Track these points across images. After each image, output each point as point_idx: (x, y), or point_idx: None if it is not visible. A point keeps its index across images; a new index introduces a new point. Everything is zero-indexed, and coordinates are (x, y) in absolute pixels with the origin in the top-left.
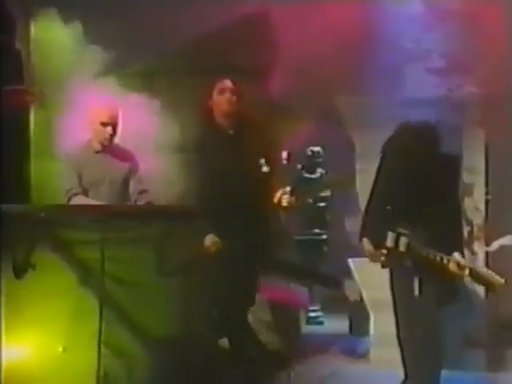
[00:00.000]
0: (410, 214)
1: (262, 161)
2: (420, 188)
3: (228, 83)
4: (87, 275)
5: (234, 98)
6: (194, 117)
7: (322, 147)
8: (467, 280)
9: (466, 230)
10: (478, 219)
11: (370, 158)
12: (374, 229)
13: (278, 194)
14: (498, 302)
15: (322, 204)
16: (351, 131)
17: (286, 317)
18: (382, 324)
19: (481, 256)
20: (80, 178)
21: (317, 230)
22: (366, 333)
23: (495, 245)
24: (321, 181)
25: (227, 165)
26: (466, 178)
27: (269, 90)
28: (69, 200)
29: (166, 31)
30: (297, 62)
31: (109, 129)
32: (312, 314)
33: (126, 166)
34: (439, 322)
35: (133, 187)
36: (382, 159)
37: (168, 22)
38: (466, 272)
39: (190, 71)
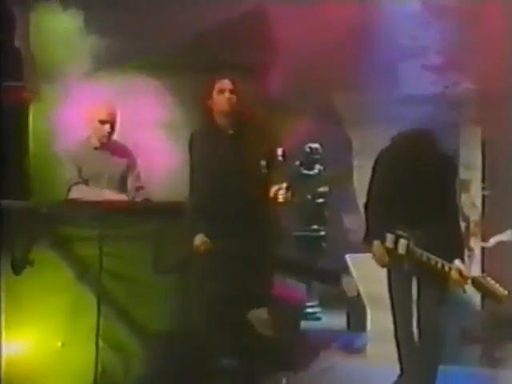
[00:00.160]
0: (408, 218)
1: (263, 163)
2: (418, 192)
3: (227, 83)
4: (85, 271)
5: (234, 97)
6: (194, 114)
7: (320, 144)
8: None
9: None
10: (474, 215)
11: (367, 154)
12: (381, 231)
13: (274, 189)
14: None
15: (321, 200)
16: (349, 128)
17: (283, 313)
18: (379, 320)
19: (477, 252)
20: (80, 171)
21: (315, 226)
22: (363, 328)
23: (492, 241)
24: (319, 177)
25: (227, 164)
26: (462, 174)
27: (267, 88)
28: (69, 190)
29: (166, 29)
30: (295, 60)
31: (107, 126)
32: (310, 310)
33: (124, 162)
34: (437, 320)
35: (130, 184)
36: (374, 169)
37: (167, 20)
38: (469, 281)
39: (188, 69)
